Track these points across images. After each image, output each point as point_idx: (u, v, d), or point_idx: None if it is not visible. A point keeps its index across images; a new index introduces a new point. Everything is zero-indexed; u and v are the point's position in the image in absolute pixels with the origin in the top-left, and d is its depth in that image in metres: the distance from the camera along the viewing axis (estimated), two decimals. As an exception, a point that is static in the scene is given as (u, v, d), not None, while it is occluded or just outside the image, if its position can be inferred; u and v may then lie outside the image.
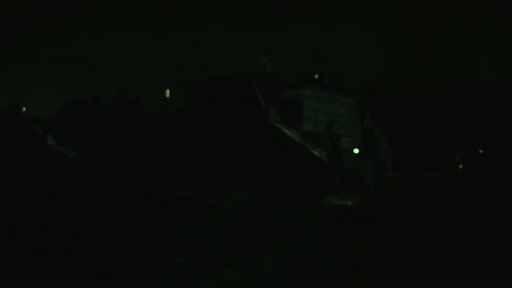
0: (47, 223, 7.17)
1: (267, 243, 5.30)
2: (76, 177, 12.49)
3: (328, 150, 10.33)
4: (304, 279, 3.85)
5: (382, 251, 4.85)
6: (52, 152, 13.49)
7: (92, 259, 4.73)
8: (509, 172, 21.06)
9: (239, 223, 6.91)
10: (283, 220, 7.18)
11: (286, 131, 11.18)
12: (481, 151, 35.55)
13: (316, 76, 13.71)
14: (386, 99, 36.83)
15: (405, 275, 3.91)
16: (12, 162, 13.21)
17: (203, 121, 11.93)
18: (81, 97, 14.90)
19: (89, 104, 14.56)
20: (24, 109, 14.89)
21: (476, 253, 4.58)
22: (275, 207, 8.52)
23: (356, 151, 10.84)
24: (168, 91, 13.68)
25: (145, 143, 12.43)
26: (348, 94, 13.97)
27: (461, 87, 39.66)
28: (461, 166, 32.13)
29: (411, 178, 18.27)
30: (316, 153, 11.06)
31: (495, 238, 5.34)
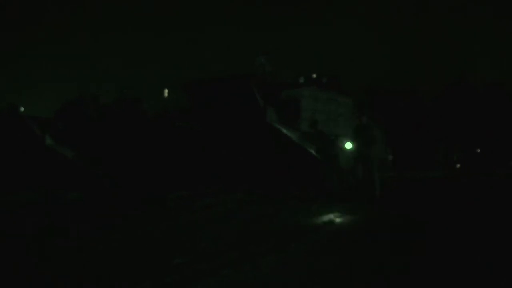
0: (47, 223, 7.17)
1: (267, 243, 5.31)
2: (75, 177, 12.48)
3: (322, 148, 10.24)
4: (304, 279, 3.85)
5: (382, 251, 4.85)
6: (51, 152, 13.48)
7: (92, 259, 4.73)
8: (508, 171, 21.10)
9: (239, 223, 6.92)
10: (283, 220, 7.19)
11: (284, 131, 11.20)
12: (478, 151, 35.70)
13: (314, 76, 13.73)
14: (386, 99, 36.99)
15: (405, 275, 3.92)
16: (11, 163, 13.20)
17: (202, 121, 11.94)
18: (82, 96, 14.91)
19: (88, 104, 14.57)
20: (22, 109, 14.89)
21: (476, 253, 4.59)
22: (275, 207, 8.53)
23: (348, 146, 10.75)
24: (166, 91, 13.67)
25: (145, 143, 12.43)
26: (347, 93, 14.00)
27: (461, 87, 39.76)
28: (458, 166, 32.28)
29: (410, 178, 18.29)
30: (314, 152, 11.07)
31: (495, 238, 5.35)
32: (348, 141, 10.88)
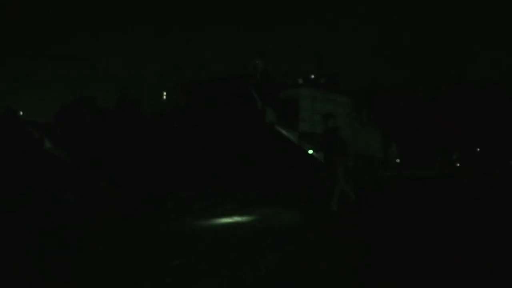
0: (47, 224, 7.17)
1: (266, 243, 5.30)
2: (75, 179, 12.48)
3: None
4: (304, 279, 3.85)
5: (382, 251, 4.85)
6: (50, 155, 13.49)
7: (92, 260, 4.73)
8: (507, 171, 21.08)
9: (239, 224, 6.91)
10: (282, 221, 7.18)
11: (283, 132, 11.18)
12: (478, 150, 35.73)
13: (312, 76, 13.72)
14: (386, 99, 37.03)
15: (405, 275, 3.91)
16: (10, 166, 13.20)
17: (201, 121, 11.94)
18: (81, 97, 14.96)
19: (87, 106, 14.60)
20: (21, 113, 14.95)
21: (476, 253, 4.59)
22: (275, 207, 8.53)
23: (310, 152, 10.45)
24: (164, 93, 13.70)
25: (145, 143, 12.44)
26: (345, 93, 13.97)
27: (460, 87, 39.83)
28: (458, 165, 32.33)
29: (409, 177, 18.30)
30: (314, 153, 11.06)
31: (495, 238, 5.35)
32: (310, 148, 10.62)
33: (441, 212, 7.73)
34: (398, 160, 20.04)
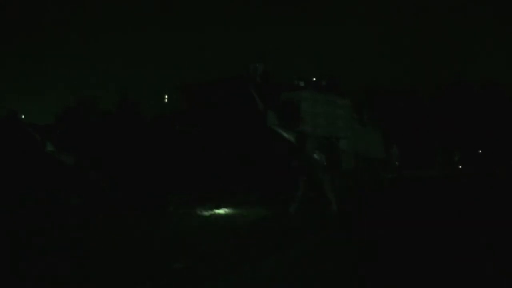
0: (47, 225, 7.17)
1: (267, 244, 5.31)
2: (76, 181, 12.48)
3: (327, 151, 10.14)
4: (305, 280, 3.86)
5: (382, 251, 4.86)
6: (52, 158, 13.50)
7: (91, 262, 4.73)
8: (508, 171, 21.09)
9: (239, 226, 6.91)
10: (282, 221, 7.19)
11: (284, 134, 11.18)
12: (480, 151, 35.69)
13: (314, 79, 13.75)
14: (386, 99, 37.02)
15: (405, 275, 3.92)
16: (12, 168, 13.21)
17: (202, 122, 11.94)
18: (81, 99, 15.03)
19: (88, 108, 14.66)
20: (22, 116, 15.00)
21: (476, 253, 4.59)
22: (275, 209, 8.53)
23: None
24: (166, 96, 13.76)
25: (145, 144, 12.44)
26: (346, 95, 14.00)
27: (460, 87, 39.81)
28: (460, 166, 32.27)
29: (409, 178, 18.31)
30: (315, 155, 11.05)
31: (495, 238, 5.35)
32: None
33: (441, 212, 7.74)
34: (397, 163, 20.08)
